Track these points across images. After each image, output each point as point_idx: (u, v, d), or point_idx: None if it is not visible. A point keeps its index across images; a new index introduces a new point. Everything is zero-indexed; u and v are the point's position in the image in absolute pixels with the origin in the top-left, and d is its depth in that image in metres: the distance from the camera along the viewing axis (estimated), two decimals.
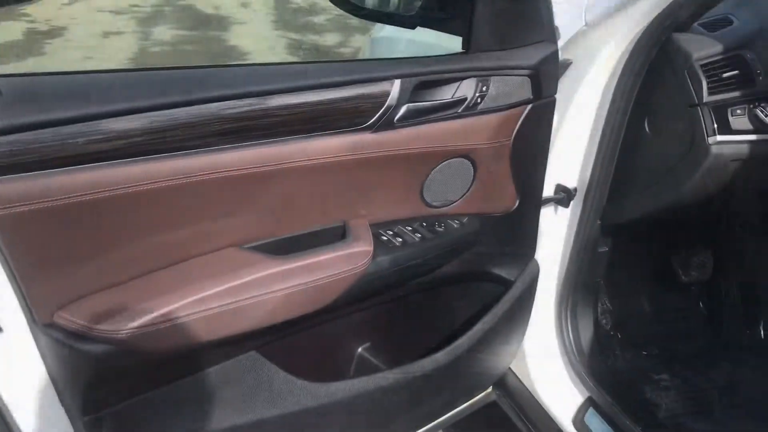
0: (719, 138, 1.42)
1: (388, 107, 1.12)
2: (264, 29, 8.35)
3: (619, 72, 1.53)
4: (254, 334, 1.08)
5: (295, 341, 1.26)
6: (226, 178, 0.98)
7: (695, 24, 1.52)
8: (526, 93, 1.32)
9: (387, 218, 1.26)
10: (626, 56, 1.51)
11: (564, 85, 1.63)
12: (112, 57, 6.58)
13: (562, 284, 1.73)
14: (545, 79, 1.33)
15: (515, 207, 1.42)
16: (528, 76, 1.30)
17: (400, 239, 1.24)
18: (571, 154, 1.64)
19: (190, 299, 0.97)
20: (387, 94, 1.12)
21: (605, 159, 1.59)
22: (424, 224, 1.30)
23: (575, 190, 1.64)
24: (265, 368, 1.15)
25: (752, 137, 1.44)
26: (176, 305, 0.96)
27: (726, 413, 1.78)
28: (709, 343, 2.05)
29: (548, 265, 1.72)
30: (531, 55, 1.30)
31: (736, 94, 1.44)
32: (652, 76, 1.52)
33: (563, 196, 1.64)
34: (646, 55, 1.49)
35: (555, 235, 1.70)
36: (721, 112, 1.43)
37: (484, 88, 1.25)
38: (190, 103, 0.94)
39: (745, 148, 1.45)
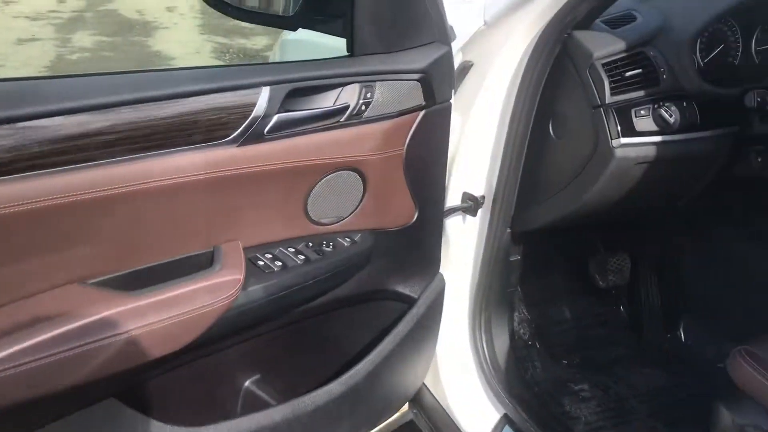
0: (623, 140, 1.35)
1: (255, 118, 1.00)
2: (190, 33, 8.11)
3: (521, 73, 1.46)
4: (110, 379, 0.95)
5: (167, 381, 1.13)
6: (62, 204, 0.85)
7: (597, 21, 1.45)
8: (418, 98, 1.22)
9: (266, 240, 1.14)
10: (527, 56, 1.44)
11: (466, 87, 1.54)
12: (26, 65, 6.27)
13: (475, 297, 1.65)
14: (438, 83, 1.24)
15: (414, 220, 1.33)
16: (418, 80, 1.20)
17: (280, 263, 1.12)
18: (476, 161, 1.56)
19: (17, 347, 0.84)
20: (253, 104, 1.00)
21: (511, 164, 1.51)
22: (310, 244, 1.18)
23: (483, 197, 1.56)
24: (126, 416, 1.02)
25: (657, 138, 1.38)
26: None
27: (645, 422, 1.72)
28: (630, 349, 2.00)
29: (459, 277, 1.63)
30: (420, 58, 1.21)
31: (640, 93, 1.38)
32: (554, 77, 1.44)
33: (470, 205, 1.56)
34: (547, 54, 1.42)
35: (464, 245, 1.62)
36: (624, 113, 1.36)
37: (368, 95, 1.15)
38: (12, 119, 0.81)
39: (650, 150, 1.38)
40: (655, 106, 1.37)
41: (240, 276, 1.02)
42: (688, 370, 1.91)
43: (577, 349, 1.97)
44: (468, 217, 1.59)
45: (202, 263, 1.04)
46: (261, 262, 1.11)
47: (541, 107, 1.47)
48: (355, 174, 1.19)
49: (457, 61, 1.55)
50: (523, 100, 1.46)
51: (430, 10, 1.21)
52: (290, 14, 1.25)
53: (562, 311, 2.03)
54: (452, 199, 1.58)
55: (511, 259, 1.70)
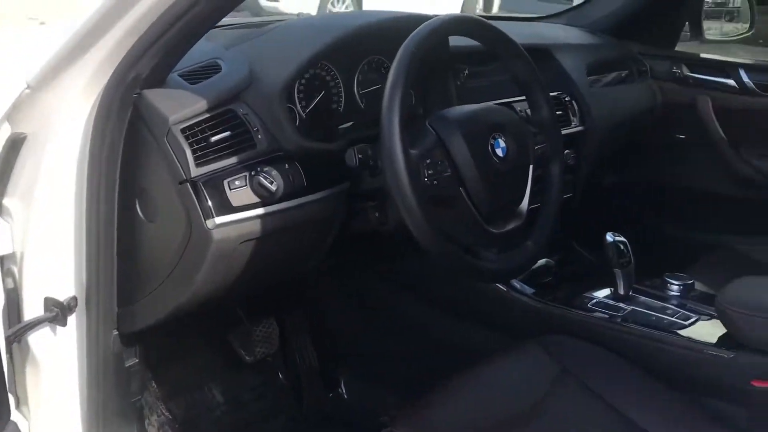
0: (218, 220, 1.12)
1: None
2: None
3: (88, 144, 1.16)
4: None
5: None
6: None
7: (174, 74, 1.20)
8: None
9: None
10: (92, 124, 1.14)
11: (23, 167, 1.20)
12: None
13: (88, 422, 1.31)
14: None
15: None
16: None
17: None
18: (55, 257, 1.22)
19: None
20: None
21: (101, 254, 1.21)
22: None
23: (74, 299, 1.23)
24: None
25: (260, 211, 1.17)
26: None
27: None
28: (292, 419, 1.82)
29: (61, 405, 1.29)
30: None
31: (233, 160, 1.15)
32: (132, 147, 1.17)
33: (56, 313, 1.22)
34: (115, 120, 1.13)
35: (59, 365, 1.27)
36: (217, 187, 1.13)
37: None
38: None
39: (254, 225, 1.17)
40: (253, 173, 1.15)
41: None
42: (351, 430, 1.78)
43: None
44: (58, 328, 1.25)
45: None
46: None
47: (124, 183, 1.19)
48: None
49: (4, 133, 1.21)
50: (98, 177, 1.17)
51: None
52: None
53: (213, 396, 1.77)
54: (32, 310, 1.23)
55: (128, 365, 1.39)
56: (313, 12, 7.58)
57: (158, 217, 1.19)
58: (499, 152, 1.23)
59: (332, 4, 8.02)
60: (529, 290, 1.58)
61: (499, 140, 1.23)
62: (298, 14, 1.88)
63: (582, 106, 1.80)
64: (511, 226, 1.25)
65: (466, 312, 1.68)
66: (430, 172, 1.16)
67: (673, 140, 2.24)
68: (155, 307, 1.28)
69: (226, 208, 1.13)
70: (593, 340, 1.43)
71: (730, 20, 2.63)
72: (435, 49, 1.35)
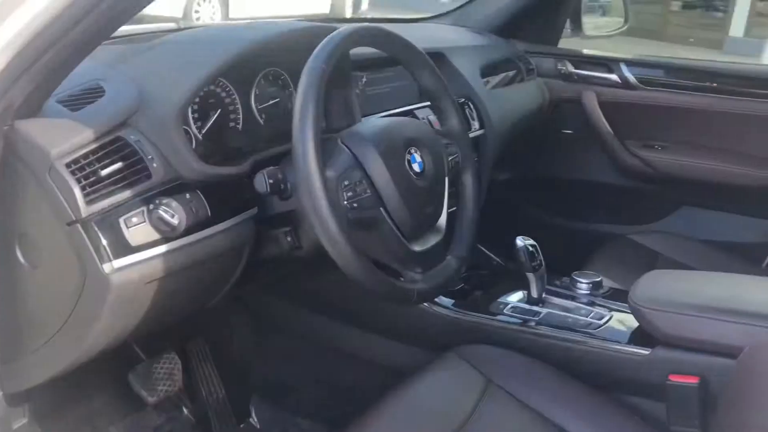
0: (117, 263, 1.00)
1: None
2: None
3: None
4: None
5: None
6: None
7: (52, 101, 1.06)
8: None
9: None
10: None
11: None
12: None
13: None
14: None
15: None
16: None
17: None
18: None
19: None
20: None
21: None
22: None
23: None
24: None
25: (163, 248, 1.05)
26: None
27: None
28: None
29: None
30: None
31: (127, 194, 1.03)
32: (7, 186, 1.03)
33: None
34: None
35: None
36: (112, 226, 1.01)
37: None
38: None
39: (158, 265, 1.05)
40: (151, 206, 1.04)
41: None
42: None
43: None
44: None
45: None
46: None
47: (1, 226, 1.05)
48: None
49: None
50: None
51: None
52: None
53: None
54: None
55: (16, 427, 1.24)
56: (179, 12, 7.27)
57: (43, 263, 1.05)
58: (416, 167, 1.18)
59: (198, 3, 7.76)
60: (447, 301, 1.54)
61: (415, 155, 1.18)
62: (178, 23, 1.74)
63: (480, 110, 1.79)
64: (432, 242, 1.21)
65: (382, 328, 1.63)
66: (349, 194, 1.09)
67: (562, 136, 2.29)
68: (46, 362, 1.14)
69: (125, 248, 1.01)
70: (512, 347, 1.42)
71: (603, 14, 2.71)
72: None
